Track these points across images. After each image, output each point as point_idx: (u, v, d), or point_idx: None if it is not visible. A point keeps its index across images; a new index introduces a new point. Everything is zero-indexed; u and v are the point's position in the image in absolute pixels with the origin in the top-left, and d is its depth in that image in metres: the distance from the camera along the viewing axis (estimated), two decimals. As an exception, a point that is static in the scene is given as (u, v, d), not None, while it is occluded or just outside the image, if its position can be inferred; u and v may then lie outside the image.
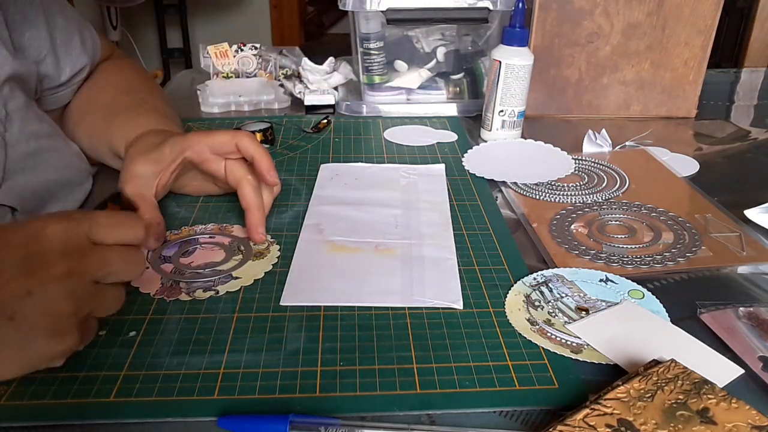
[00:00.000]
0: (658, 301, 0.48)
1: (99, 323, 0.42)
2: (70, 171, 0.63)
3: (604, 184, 0.68)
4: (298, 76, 0.93)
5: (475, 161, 0.73)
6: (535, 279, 0.51)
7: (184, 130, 0.74)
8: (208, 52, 0.94)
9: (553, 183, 0.68)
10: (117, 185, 0.59)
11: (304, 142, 0.79)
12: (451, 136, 0.81)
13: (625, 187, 0.67)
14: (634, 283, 0.50)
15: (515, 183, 0.68)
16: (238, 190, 0.56)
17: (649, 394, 0.36)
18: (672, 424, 0.34)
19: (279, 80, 0.96)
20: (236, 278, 0.51)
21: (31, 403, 0.38)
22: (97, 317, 0.41)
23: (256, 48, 0.96)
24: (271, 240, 0.56)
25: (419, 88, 0.89)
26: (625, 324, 0.46)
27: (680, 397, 0.36)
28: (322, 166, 0.72)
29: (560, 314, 0.47)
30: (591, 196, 0.65)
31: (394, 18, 0.83)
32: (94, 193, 0.66)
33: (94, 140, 0.67)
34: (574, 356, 0.43)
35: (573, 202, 0.64)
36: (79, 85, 0.70)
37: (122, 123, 0.63)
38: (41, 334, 0.36)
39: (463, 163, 0.73)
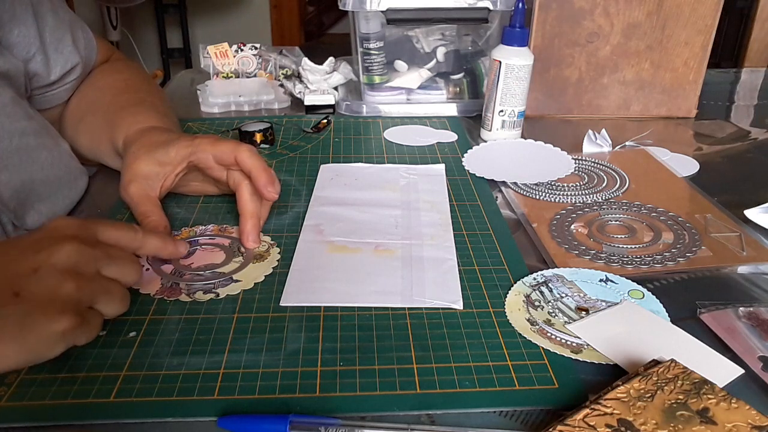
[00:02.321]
0: (658, 301, 0.48)
1: (103, 323, 0.42)
2: (59, 170, 0.62)
3: (604, 184, 0.68)
4: (298, 76, 0.93)
5: (475, 161, 0.73)
6: (535, 279, 0.51)
7: (182, 130, 0.74)
8: (208, 52, 0.94)
9: (553, 183, 0.68)
10: (118, 185, 0.59)
11: (304, 142, 0.79)
12: (451, 136, 0.81)
13: (625, 187, 0.67)
14: (634, 283, 0.50)
15: (515, 183, 0.68)
16: (237, 194, 0.56)
17: (649, 394, 0.36)
18: (672, 424, 0.34)
19: (279, 80, 0.96)
20: (237, 281, 0.51)
21: (32, 403, 0.38)
22: (103, 315, 0.42)
23: (256, 48, 0.96)
24: (272, 242, 0.56)
25: (419, 88, 0.89)
26: (625, 324, 0.46)
27: (680, 397, 0.36)
28: (322, 166, 0.72)
29: (560, 314, 0.47)
30: (591, 196, 0.65)
31: (394, 18, 0.83)
32: (91, 194, 0.66)
33: (95, 140, 0.67)
34: (574, 356, 0.43)
35: (573, 202, 0.64)
36: (72, 84, 0.70)
37: (122, 119, 0.63)
38: (40, 310, 0.37)
39: (463, 163, 0.73)
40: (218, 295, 0.49)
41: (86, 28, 0.72)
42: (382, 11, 0.82)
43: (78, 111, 0.70)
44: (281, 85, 0.95)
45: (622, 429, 0.34)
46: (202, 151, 0.56)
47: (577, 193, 0.66)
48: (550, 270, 0.52)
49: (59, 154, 0.63)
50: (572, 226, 0.59)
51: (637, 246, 0.56)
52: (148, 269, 0.52)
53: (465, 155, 0.74)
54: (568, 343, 0.44)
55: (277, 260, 0.53)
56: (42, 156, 0.60)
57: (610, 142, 0.78)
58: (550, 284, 0.50)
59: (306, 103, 0.89)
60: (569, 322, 0.46)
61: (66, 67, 0.67)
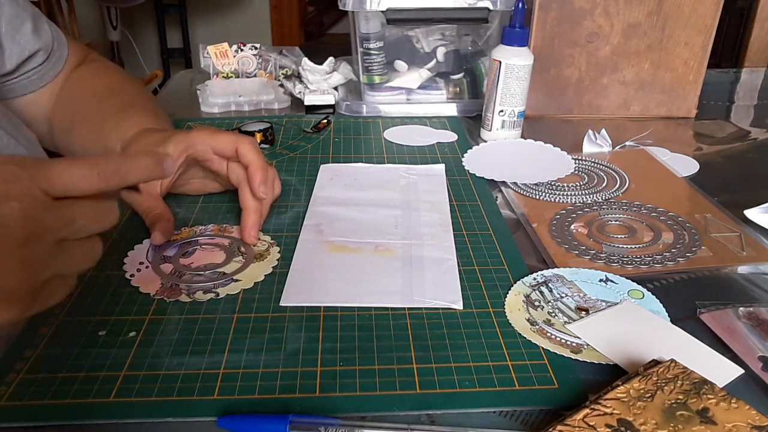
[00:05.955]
0: (658, 301, 0.48)
1: (78, 279, 0.37)
2: (24, 154, 0.58)
3: (604, 184, 0.68)
4: (298, 76, 0.93)
5: (475, 161, 0.73)
6: (535, 279, 0.51)
7: (176, 128, 0.73)
8: (208, 52, 0.94)
9: (553, 183, 0.68)
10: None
11: (304, 142, 0.79)
12: (451, 136, 0.81)
13: (625, 187, 0.67)
14: (634, 283, 0.50)
15: (515, 183, 0.68)
16: (239, 190, 0.56)
17: (649, 394, 0.36)
18: (672, 424, 0.34)
19: (279, 80, 0.96)
20: (236, 281, 0.51)
21: (32, 403, 0.38)
22: (74, 273, 0.37)
23: (256, 48, 0.96)
24: (272, 242, 0.56)
25: (419, 88, 0.89)
26: (625, 324, 0.46)
27: (680, 397, 0.36)
28: (322, 166, 0.72)
29: (560, 314, 0.47)
30: (591, 196, 0.65)
31: (394, 18, 0.83)
32: None
33: (88, 150, 0.65)
34: (574, 356, 0.43)
35: (573, 202, 0.64)
36: (36, 73, 0.66)
37: (114, 126, 0.62)
38: None
39: (463, 163, 0.73)
40: (218, 294, 0.49)
41: (52, 23, 0.69)
42: (382, 11, 0.82)
43: (66, 121, 0.68)
44: (281, 85, 0.95)
45: (622, 429, 0.34)
46: (200, 143, 0.56)
47: (577, 193, 0.66)
48: (550, 270, 0.52)
49: (24, 140, 0.59)
50: (572, 226, 0.59)
51: (637, 246, 0.56)
52: (148, 267, 0.52)
53: (465, 155, 0.74)
54: (568, 343, 0.44)
55: (277, 260, 0.53)
56: (3, 141, 0.56)
57: (610, 142, 0.78)
58: (550, 284, 0.50)
59: (306, 103, 0.89)
60: (569, 322, 0.46)
61: (23, 55, 0.64)
